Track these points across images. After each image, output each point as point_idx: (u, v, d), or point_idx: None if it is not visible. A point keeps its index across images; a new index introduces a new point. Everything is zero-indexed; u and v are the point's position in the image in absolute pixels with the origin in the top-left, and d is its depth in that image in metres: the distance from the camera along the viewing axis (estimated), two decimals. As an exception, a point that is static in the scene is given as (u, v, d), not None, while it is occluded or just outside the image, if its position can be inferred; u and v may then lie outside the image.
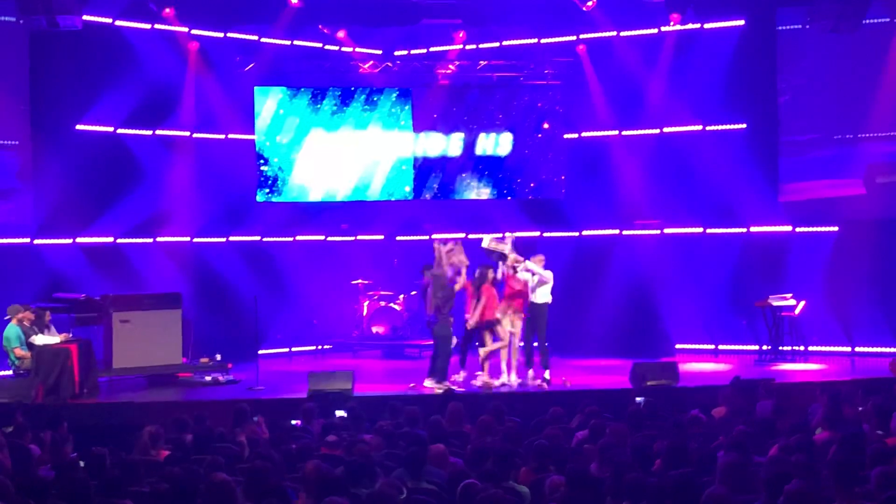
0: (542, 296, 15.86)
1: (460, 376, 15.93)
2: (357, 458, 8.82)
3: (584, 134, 20.86)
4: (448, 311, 15.60)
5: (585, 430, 10.77)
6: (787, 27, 19.15)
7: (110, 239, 18.56)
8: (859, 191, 18.80)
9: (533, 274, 15.75)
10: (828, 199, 18.94)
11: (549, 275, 15.81)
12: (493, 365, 15.88)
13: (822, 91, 19.04)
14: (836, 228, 18.66)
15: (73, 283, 17.57)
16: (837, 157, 18.95)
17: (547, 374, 15.84)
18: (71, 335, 15.91)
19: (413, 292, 19.54)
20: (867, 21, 17.53)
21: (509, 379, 15.90)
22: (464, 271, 15.72)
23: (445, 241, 16.22)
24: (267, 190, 20.41)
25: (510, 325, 15.86)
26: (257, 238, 20.25)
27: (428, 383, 15.59)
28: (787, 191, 19.24)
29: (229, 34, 19.44)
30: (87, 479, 8.25)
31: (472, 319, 15.65)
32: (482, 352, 15.80)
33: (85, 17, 16.73)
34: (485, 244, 15.95)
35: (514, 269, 15.78)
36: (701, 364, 18.04)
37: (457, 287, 15.65)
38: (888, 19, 18.39)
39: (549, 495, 8.14)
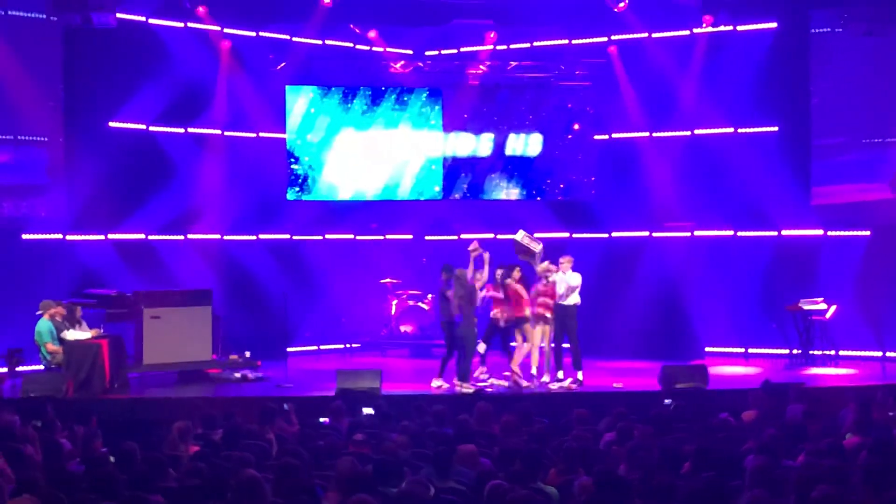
0: (572, 298, 15.84)
1: (484, 374, 15.98)
2: (385, 457, 8.84)
3: (614, 135, 20.82)
4: (471, 312, 15.59)
5: (613, 432, 10.75)
6: (821, 30, 19.04)
7: (142, 235, 18.66)
8: (887, 195, 18.70)
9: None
10: (858, 203, 18.84)
11: (576, 279, 15.76)
12: (523, 366, 15.88)
13: (854, 94, 18.95)
14: (868, 233, 18.55)
15: (105, 279, 17.69)
16: (866, 160, 18.86)
17: (580, 375, 15.83)
18: (102, 331, 16.04)
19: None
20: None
21: (539, 380, 15.90)
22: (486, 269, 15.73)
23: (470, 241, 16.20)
24: (297, 188, 20.48)
25: (539, 329, 15.91)
26: (287, 236, 20.32)
27: (436, 383, 15.68)
28: (817, 194, 19.15)
29: (261, 33, 19.54)
30: (116, 474, 8.30)
31: (502, 317, 15.70)
32: (517, 353, 15.83)
33: (119, 15, 16.85)
34: (518, 237, 15.95)
35: (546, 277, 15.79)
36: (730, 367, 17.97)
37: (478, 285, 15.65)
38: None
39: (578, 496, 8.13)
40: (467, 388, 15.36)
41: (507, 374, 15.86)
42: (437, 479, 8.67)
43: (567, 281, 15.72)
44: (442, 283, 15.99)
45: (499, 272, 15.90)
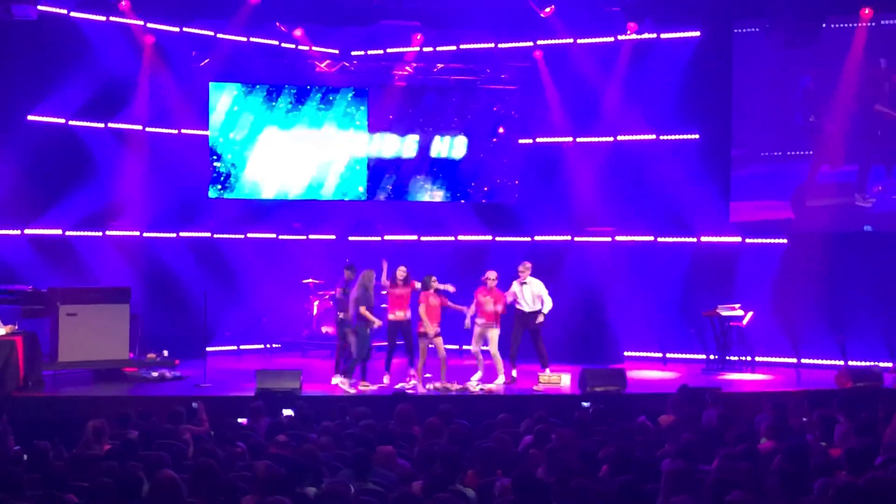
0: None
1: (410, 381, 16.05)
2: (303, 458, 8.79)
3: (538, 139, 20.94)
4: (363, 315, 15.72)
5: (532, 435, 10.79)
6: (745, 30, 19.20)
7: (59, 231, 18.39)
8: (788, 214, 19.01)
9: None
10: (763, 222, 19.09)
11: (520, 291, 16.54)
12: (438, 368, 15.95)
13: (771, 106, 19.21)
14: (784, 241, 18.84)
15: (21, 275, 17.37)
16: (768, 175, 19.14)
17: (514, 373, 16.40)
18: (16, 327, 15.74)
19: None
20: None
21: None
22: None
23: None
24: (219, 186, 20.29)
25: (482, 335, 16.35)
26: (208, 234, 20.15)
27: (338, 381, 15.84)
28: (733, 210, 19.38)
29: (185, 29, 19.33)
30: (28, 473, 8.16)
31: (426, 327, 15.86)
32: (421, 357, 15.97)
33: (40, 7, 16.58)
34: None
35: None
36: (649, 371, 18.13)
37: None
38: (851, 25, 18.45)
39: (499, 498, 8.14)
40: (344, 385, 15.57)
41: (427, 375, 15.93)
42: (356, 481, 8.64)
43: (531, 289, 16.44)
44: (344, 282, 16.04)
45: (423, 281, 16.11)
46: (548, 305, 16.59)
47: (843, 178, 18.74)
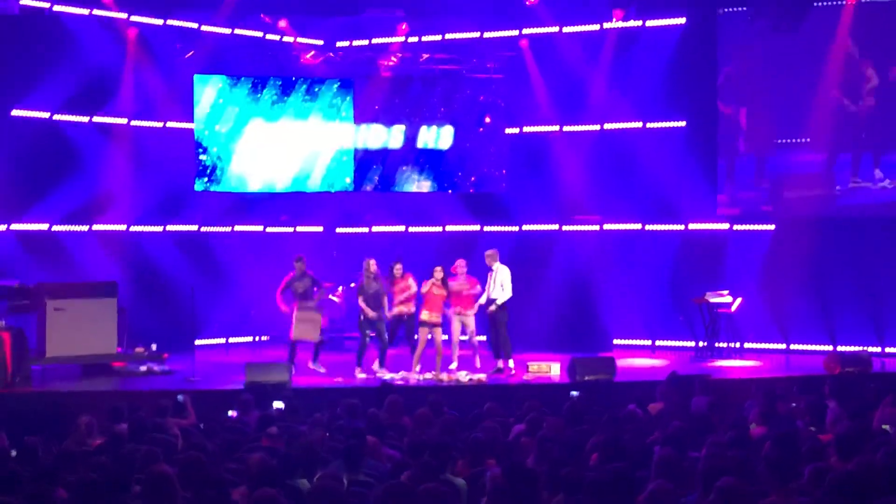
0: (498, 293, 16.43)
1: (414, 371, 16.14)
2: (299, 450, 8.78)
3: (525, 128, 20.90)
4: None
5: (523, 424, 10.79)
6: (728, 13, 19.15)
7: (45, 226, 18.34)
8: (765, 207, 19.05)
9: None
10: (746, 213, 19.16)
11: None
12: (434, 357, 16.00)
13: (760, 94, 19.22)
14: (772, 227, 18.85)
15: (7, 270, 17.33)
16: (749, 164, 19.18)
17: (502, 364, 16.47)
18: (3, 323, 15.68)
19: (353, 284, 19.52)
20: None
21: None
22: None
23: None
24: (205, 179, 20.22)
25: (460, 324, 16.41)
26: (195, 228, 20.11)
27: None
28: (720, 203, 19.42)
29: (169, 21, 19.24)
30: (18, 469, 8.13)
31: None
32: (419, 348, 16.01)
33: (22, 2, 16.50)
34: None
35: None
36: (638, 359, 18.15)
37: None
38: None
39: (490, 487, 8.13)
40: (385, 374, 15.95)
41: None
42: (347, 472, 8.63)
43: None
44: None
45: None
46: (505, 295, 16.42)
47: (822, 167, 18.70)
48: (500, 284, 16.43)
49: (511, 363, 16.39)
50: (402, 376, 15.88)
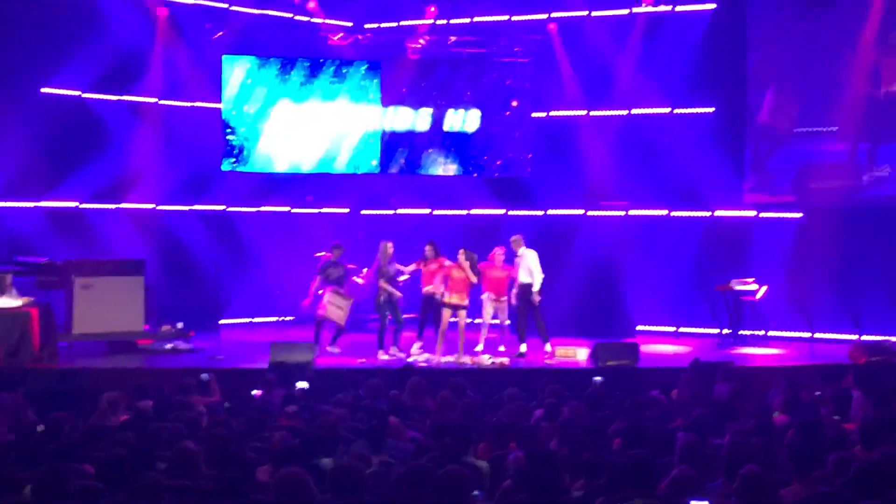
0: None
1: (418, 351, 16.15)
2: (322, 429, 8.83)
3: (552, 113, 20.86)
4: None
5: (544, 408, 10.81)
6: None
7: (74, 204, 18.44)
8: (788, 198, 18.95)
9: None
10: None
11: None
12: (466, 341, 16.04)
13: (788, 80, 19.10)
14: (800, 215, 18.76)
15: (36, 247, 17.43)
16: (776, 152, 19.10)
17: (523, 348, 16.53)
18: (32, 299, 15.79)
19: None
20: None
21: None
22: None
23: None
24: (233, 159, 20.29)
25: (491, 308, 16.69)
26: (222, 207, 20.18)
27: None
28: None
29: (199, 1, 19.30)
30: (45, 444, 8.21)
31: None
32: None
33: (53, -21, 16.57)
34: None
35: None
36: (661, 346, 18.13)
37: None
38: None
39: (511, 470, 8.16)
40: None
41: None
42: (370, 453, 8.69)
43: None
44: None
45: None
46: (538, 279, 16.47)
47: (847, 156, 18.59)
48: (528, 269, 16.45)
49: (548, 346, 16.42)
50: (425, 358, 15.91)
